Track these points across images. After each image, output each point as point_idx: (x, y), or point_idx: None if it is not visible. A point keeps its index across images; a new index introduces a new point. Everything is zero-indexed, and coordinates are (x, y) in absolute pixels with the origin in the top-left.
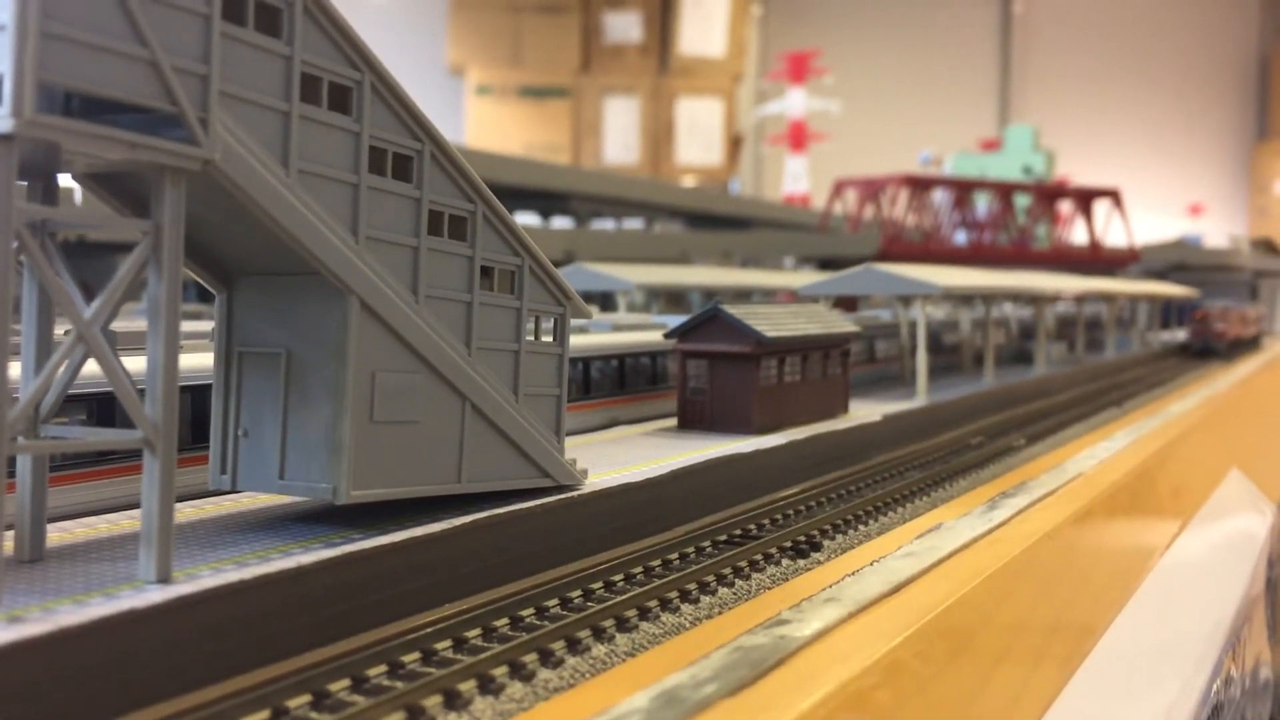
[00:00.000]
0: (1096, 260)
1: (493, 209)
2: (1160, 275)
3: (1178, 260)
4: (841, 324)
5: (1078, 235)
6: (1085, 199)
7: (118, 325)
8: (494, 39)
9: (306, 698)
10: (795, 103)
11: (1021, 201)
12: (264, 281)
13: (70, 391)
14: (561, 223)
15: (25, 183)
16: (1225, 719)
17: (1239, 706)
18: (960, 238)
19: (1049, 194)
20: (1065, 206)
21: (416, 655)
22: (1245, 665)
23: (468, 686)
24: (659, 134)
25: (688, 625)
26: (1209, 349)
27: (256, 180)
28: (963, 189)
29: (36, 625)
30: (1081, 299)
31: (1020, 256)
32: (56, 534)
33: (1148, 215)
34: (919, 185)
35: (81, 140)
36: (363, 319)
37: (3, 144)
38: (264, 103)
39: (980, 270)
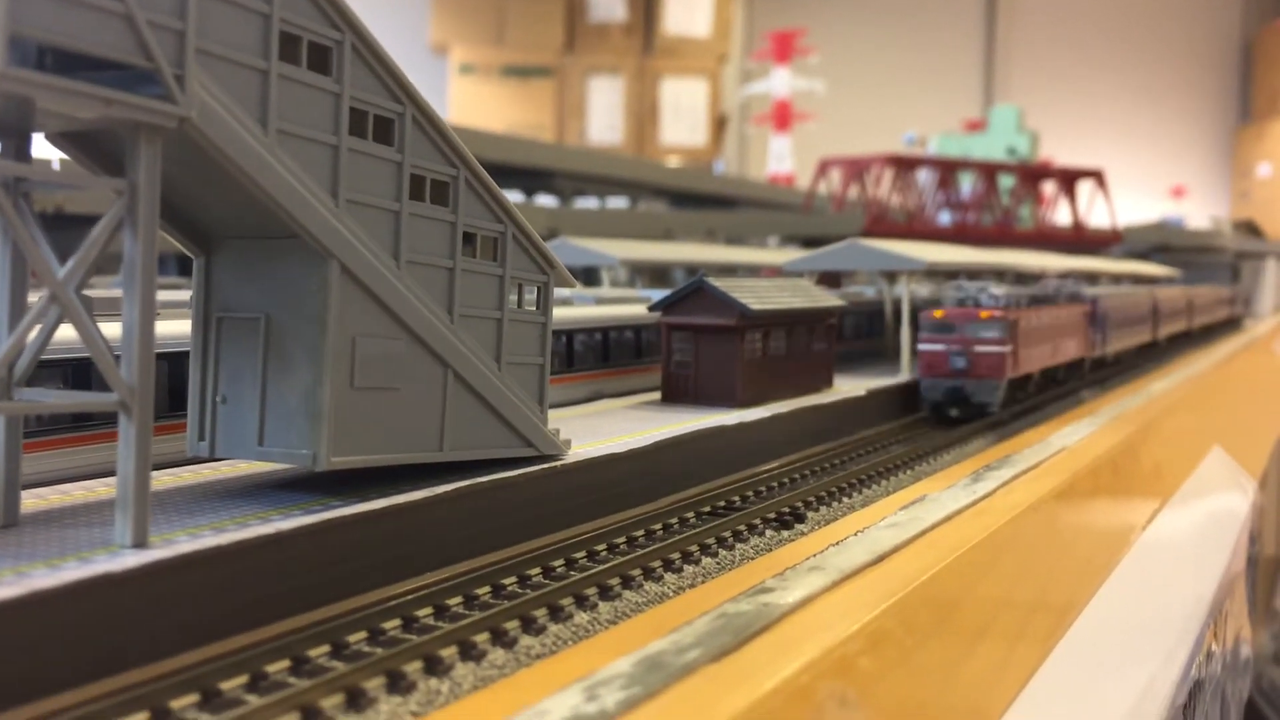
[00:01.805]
0: (1079, 241)
1: (475, 175)
2: (1143, 256)
3: (1160, 242)
4: (826, 299)
5: (1061, 216)
6: (1069, 180)
7: (95, 295)
8: (477, 18)
9: (285, 663)
10: (780, 82)
11: (1006, 182)
12: (243, 245)
13: (46, 357)
14: (546, 201)
15: None
16: (1206, 695)
17: (1219, 683)
18: (944, 218)
19: (1033, 174)
20: (1049, 187)
21: (397, 622)
22: (1226, 642)
23: (449, 652)
24: (643, 114)
25: (671, 594)
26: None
27: (234, 139)
28: (947, 169)
29: (9, 588)
30: (1064, 277)
31: (1004, 237)
32: (31, 500)
33: (1131, 197)
34: (903, 165)
35: (55, 96)
36: (343, 283)
37: None
38: (242, 61)
39: (964, 248)
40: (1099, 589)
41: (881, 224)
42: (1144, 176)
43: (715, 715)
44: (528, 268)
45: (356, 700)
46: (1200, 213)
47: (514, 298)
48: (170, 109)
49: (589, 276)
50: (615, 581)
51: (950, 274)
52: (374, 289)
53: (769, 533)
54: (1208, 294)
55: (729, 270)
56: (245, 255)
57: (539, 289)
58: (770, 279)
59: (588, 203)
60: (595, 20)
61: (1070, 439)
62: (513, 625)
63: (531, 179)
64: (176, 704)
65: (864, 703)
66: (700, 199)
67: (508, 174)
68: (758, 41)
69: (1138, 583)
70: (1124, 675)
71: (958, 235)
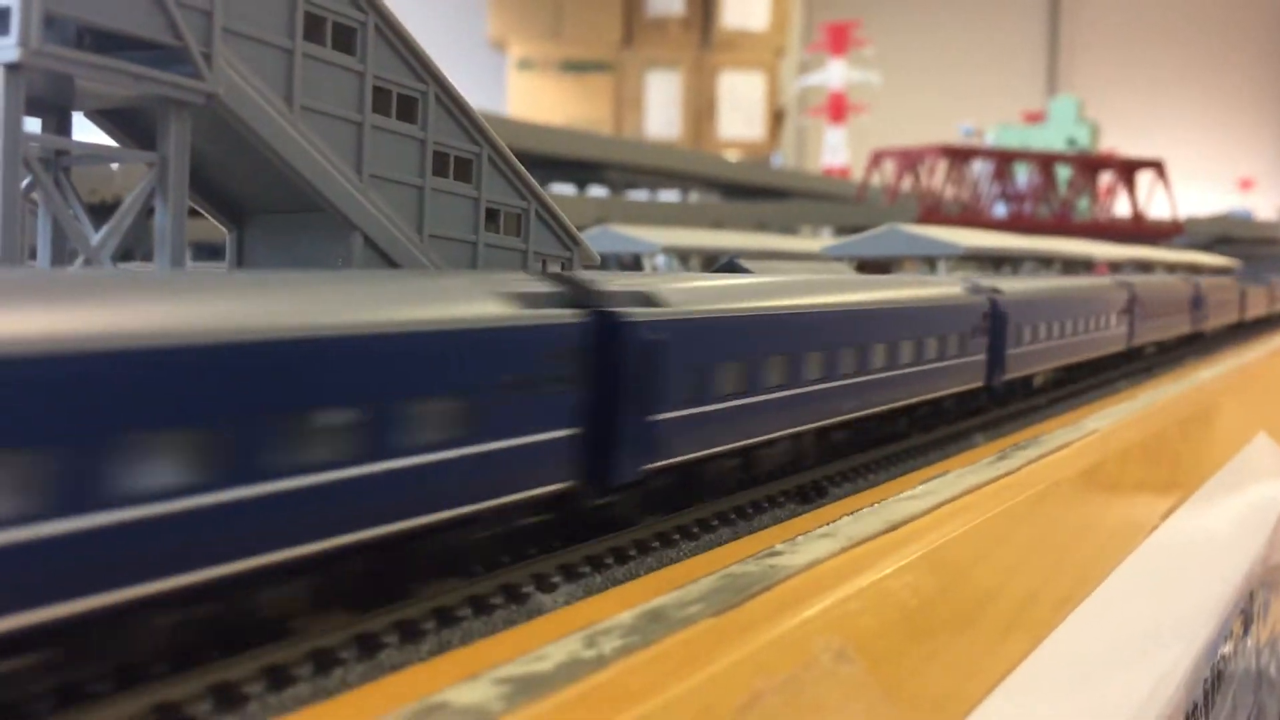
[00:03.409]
0: (1139, 232)
1: (499, 153)
2: (1205, 248)
3: (1221, 233)
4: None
5: (1121, 208)
6: (1128, 170)
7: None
8: (535, 13)
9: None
10: (835, 74)
11: (1064, 173)
12: (272, 219)
13: None
14: (597, 193)
15: (40, 119)
16: (1232, 687)
17: (1258, 674)
18: (1000, 210)
19: (1091, 165)
20: (1108, 178)
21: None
22: (1260, 636)
23: (462, 610)
24: (701, 108)
25: (684, 559)
26: None
27: (259, 114)
28: (1002, 160)
29: None
30: (1116, 266)
31: (1061, 228)
32: None
33: (1197, 189)
34: (957, 156)
35: (88, 71)
36: (366, 254)
37: (10, 73)
38: (268, 40)
39: (1008, 235)
40: (1115, 569)
41: (935, 215)
42: (1211, 168)
43: (710, 663)
44: (551, 244)
45: (367, 644)
46: (1268, 204)
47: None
48: (198, 85)
49: (634, 265)
50: (632, 548)
51: (996, 261)
52: (397, 260)
53: (790, 506)
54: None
55: (771, 257)
56: (275, 229)
57: (562, 265)
58: (807, 263)
59: (639, 195)
60: (653, 14)
61: (1104, 422)
62: (527, 586)
63: (583, 171)
64: None
65: (861, 657)
66: (753, 191)
67: (560, 166)
68: (814, 34)
69: (1155, 567)
70: (1141, 649)
71: (1014, 227)
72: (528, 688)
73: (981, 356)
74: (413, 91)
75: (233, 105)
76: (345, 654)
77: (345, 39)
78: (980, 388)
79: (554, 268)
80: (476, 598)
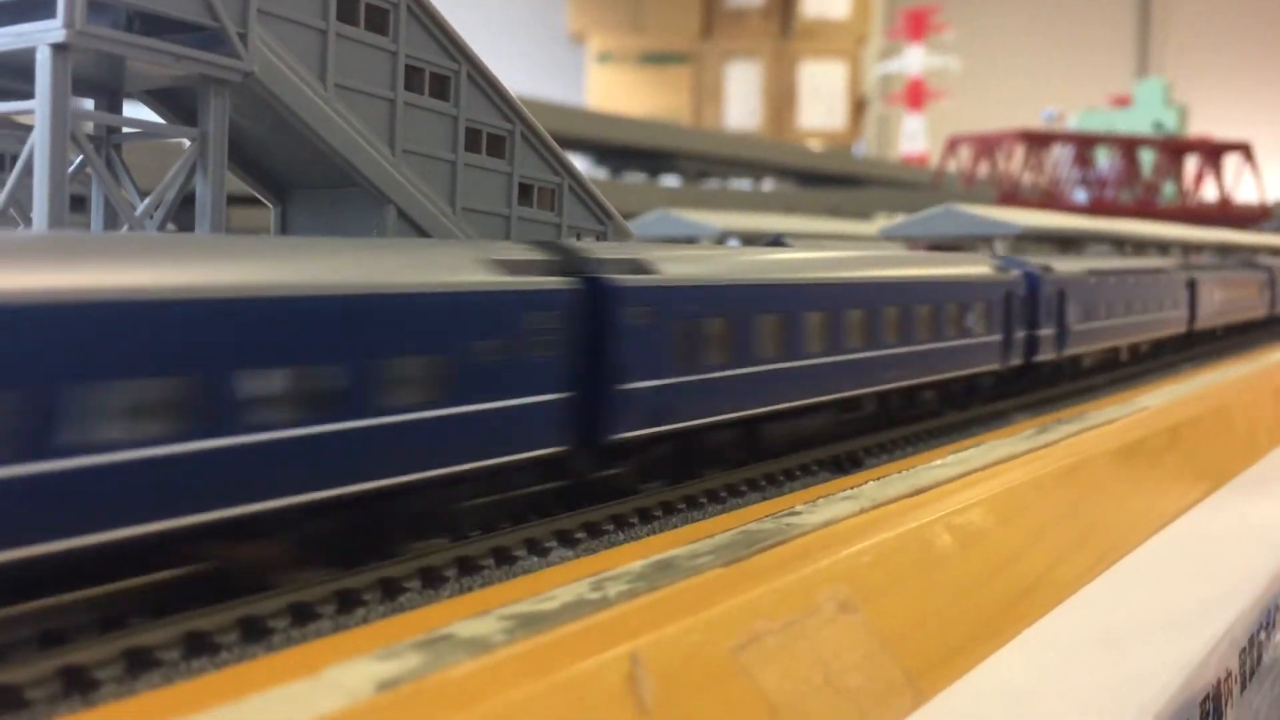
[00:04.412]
0: (1225, 216)
1: (532, 130)
2: None
3: None
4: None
5: (1208, 192)
6: (1214, 153)
7: None
8: (615, 6)
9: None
10: (912, 60)
11: (1148, 157)
12: (313, 194)
13: None
14: (670, 182)
15: (92, 99)
16: (1266, 680)
17: None
18: (1081, 195)
19: (1176, 149)
20: (1194, 162)
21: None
22: None
23: (485, 560)
24: (781, 98)
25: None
26: None
27: (294, 92)
28: (1082, 144)
29: None
30: (1192, 250)
31: (1144, 213)
32: None
33: None
34: (1035, 141)
35: (131, 51)
36: (400, 226)
37: (57, 53)
38: (302, 21)
39: (1068, 215)
40: (1143, 544)
41: (1012, 200)
42: None
43: (711, 606)
44: (585, 218)
45: (390, 589)
46: None
47: None
48: (235, 64)
49: None
50: (658, 509)
51: (1062, 242)
52: (430, 232)
53: (824, 474)
54: None
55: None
56: (315, 203)
57: (596, 239)
58: (857, 244)
59: (712, 184)
60: (732, 5)
61: (1157, 400)
62: (551, 541)
63: (656, 161)
64: None
65: (866, 607)
66: (828, 180)
67: (633, 156)
68: (895, 20)
69: (1187, 546)
70: (1155, 628)
71: (1095, 212)
72: (530, 623)
73: (998, 336)
74: (445, 70)
75: (268, 83)
76: (369, 596)
77: (378, 19)
78: (994, 370)
79: (588, 240)
80: (499, 548)
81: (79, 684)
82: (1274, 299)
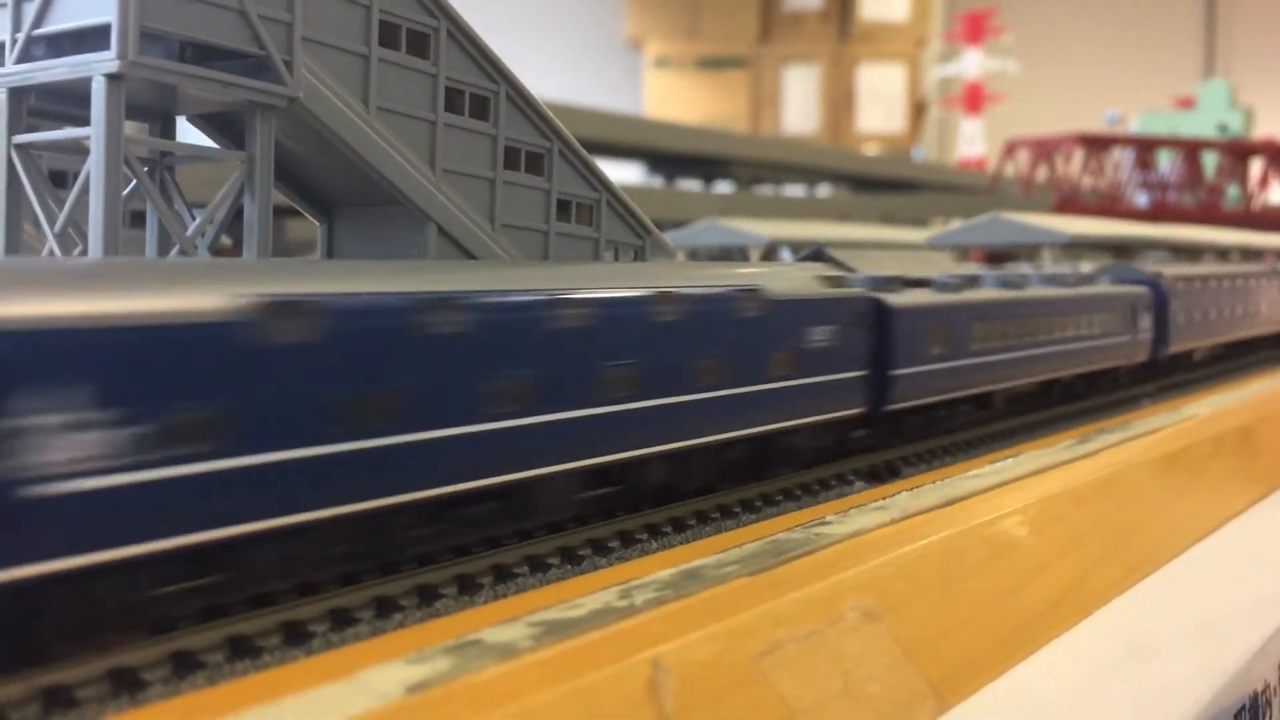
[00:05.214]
0: None
1: (570, 147)
2: None
3: None
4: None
5: (1275, 195)
6: (1278, 156)
7: None
8: (672, 11)
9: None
10: (970, 64)
11: (1211, 161)
12: (358, 212)
13: None
14: (722, 189)
15: (146, 124)
16: None
17: None
18: (1142, 199)
19: (1239, 151)
20: (1259, 165)
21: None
22: None
23: (520, 569)
24: (839, 102)
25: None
26: None
27: (338, 116)
28: (1142, 147)
29: None
30: (1252, 255)
31: (1208, 217)
32: None
33: None
34: (1095, 144)
35: (182, 80)
36: (441, 243)
37: (112, 83)
38: (345, 47)
39: (1117, 221)
40: (1179, 556)
41: (1071, 205)
42: None
43: (734, 614)
44: (623, 232)
45: (426, 595)
46: None
47: (610, 260)
48: (281, 90)
49: (740, 257)
50: (691, 519)
51: (1116, 250)
52: (469, 249)
53: (859, 484)
54: None
55: (871, 248)
56: (360, 221)
57: (634, 253)
58: (900, 253)
59: (765, 191)
60: (790, 9)
61: (1204, 409)
62: (585, 550)
63: (709, 167)
64: None
65: (890, 617)
66: (884, 185)
67: (685, 163)
68: (953, 24)
69: (1225, 558)
70: (1186, 640)
71: (1156, 216)
72: (557, 629)
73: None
74: (484, 91)
75: (313, 107)
76: (406, 602)
77: (419, 44)
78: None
79: (626, 256)
80: (533, 556)
81: (128, 685)
82: None
